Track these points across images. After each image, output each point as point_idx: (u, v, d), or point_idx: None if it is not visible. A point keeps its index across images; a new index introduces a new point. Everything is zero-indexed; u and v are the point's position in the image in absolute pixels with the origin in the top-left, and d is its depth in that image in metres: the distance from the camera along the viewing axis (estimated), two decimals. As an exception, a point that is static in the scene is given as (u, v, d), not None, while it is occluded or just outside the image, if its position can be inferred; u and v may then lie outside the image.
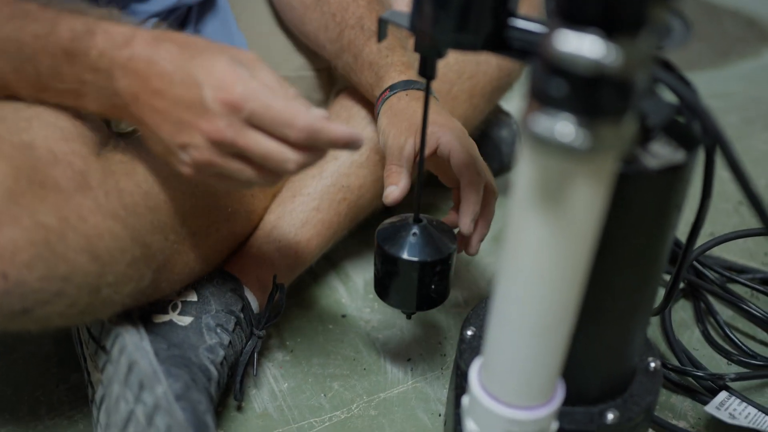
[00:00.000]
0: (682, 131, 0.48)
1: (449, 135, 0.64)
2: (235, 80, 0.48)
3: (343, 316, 0.80)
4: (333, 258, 0.86)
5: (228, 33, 0.86)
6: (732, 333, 0.78)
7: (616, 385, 0.58)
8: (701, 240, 0.87)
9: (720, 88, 1.39)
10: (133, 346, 0.57)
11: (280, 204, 0.77)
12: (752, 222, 0.99)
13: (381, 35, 0.56)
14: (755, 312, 0.79)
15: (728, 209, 1.02)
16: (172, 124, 0.50)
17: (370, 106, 0.78)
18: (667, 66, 0.50)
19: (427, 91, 0.56)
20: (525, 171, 0.39)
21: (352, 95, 0.82)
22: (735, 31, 1.66)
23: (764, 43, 1.61)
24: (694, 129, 0.48)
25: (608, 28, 0.33)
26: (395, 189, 0.63)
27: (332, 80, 0.89)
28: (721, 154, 0.45)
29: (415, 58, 0.56)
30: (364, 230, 0.81)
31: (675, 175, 0.47)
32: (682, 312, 0.83)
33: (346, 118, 0.80)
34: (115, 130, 0.70)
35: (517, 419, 0.48)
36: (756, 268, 0.88)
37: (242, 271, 0.72)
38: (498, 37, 0.48)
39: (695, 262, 0.84)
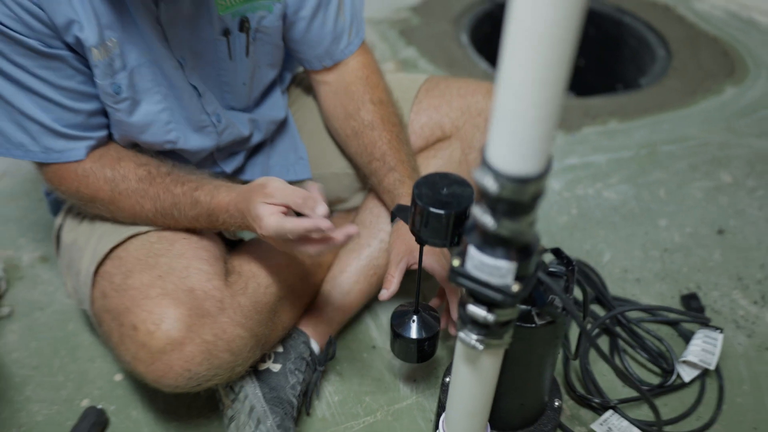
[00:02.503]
0: (550, 309, 0.87)
1: (431, 259, 1.02)
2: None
3: (373, 347, 1.22)
4: (367, 303, 1.27)
5: (294, 144, 1.24)
6: (623, 360, 1.18)
7: (530, 417, 1.00)
8: (623, 283, 1.26)
9: (679, 132, 1.72)
10: (252, 393, 1.00)
11: (331, 279, 1.17)
12: (672, 267, 1.36)
13: (392, 218, 0.94)
14: (648, 351, 1.18)
15: (654, 256, 1.39)
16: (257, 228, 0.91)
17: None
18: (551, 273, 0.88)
19: (421, 250, 0.95)
20: (460, 347, 0.79)
21: (379, 197, 1.20)
22: (708, 64, 1.96)
23: (730, 78, 1.91)
24: (559, 308, 0.86)
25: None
26: (386, 292, 1.01)
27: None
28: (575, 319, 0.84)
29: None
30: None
31: (551, 328, 0.86)
32: (602, 341, 1.22)
33: (377, 215, 1.19)
34: (228, 236, 1.11)
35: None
36: (662, 315, 1.27)
37: (308, 326, 1.13)
38: (457, 242, 0.86)
39: (617, 316, 1.23)
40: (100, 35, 0.90)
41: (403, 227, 1.06)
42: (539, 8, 0.52)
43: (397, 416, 1.12)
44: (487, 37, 2.13)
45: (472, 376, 0.81)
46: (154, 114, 1.00)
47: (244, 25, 1.03)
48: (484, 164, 0.62)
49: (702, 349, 1.15)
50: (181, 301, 0.91)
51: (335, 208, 1.31)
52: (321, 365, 1.12)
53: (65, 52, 0.90)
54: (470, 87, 1.23)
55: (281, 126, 1.23)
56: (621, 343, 1.21)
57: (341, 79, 1.15)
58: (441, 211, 0.83)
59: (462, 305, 0.75)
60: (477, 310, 0.72)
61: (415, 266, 1.01)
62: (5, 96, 0.91)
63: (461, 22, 2.10)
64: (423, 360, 1.05)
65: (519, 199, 0.62)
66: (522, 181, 0.61)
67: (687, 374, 1.16)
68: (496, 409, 0.90)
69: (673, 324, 1.25)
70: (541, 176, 0.62)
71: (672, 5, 2.22)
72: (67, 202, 1.12)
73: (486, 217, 0.65)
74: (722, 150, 1.67)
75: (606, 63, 2.14)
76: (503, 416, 0.97)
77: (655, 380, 1.17)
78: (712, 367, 1.14)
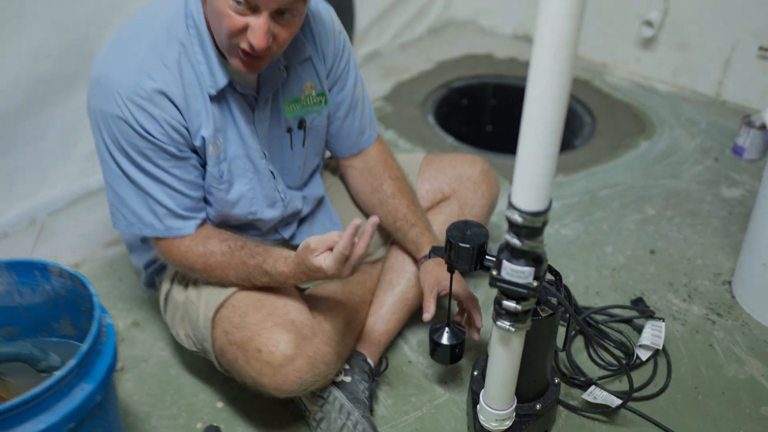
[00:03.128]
0: (550, 303, 1.27)
1: (455, 285, 1.41)
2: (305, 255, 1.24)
3: (409, 362, 1.58)
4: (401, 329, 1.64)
5: (329, 214, 1.63)
6: (597, 353, 1.58)
7: (540, 391, 1.38)
8: (587, 296, 1.67)
9: (610, 179, 2.19)
10: (339, 396, 1.35)
11: (373, 313, 1.54)
12: (620, 281, 1.79)
13: (429, 256, 1.34)
14: (613, 341, 1.59)
15: (606, 275, 1.82)
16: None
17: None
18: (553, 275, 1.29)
19: (451, 277, 1.34)
20: (496, 333, 1.18)
21: (401, 248, 1.59)
22: (624, 125, 2.46)
23: (642, 135, 2.41)
24: (556, 303, 1.27)
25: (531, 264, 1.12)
26: (427, 315, 1.39)
27: (389, 235, 1.66)
28: (568, 310, 1.24)
29: (434, 236, 1.38)
30: (414, 317, 1.59)
31: (551, 318, 1.26)
32: (580, 343, 1.63)
33: (401, 261, 1.58)
34: (301, 287, 1.47)
35: (500, 414, 1.27)
36: (620, 314, 1.69)
37: (363, 348, 1.49)
38: (480, 265, 1.26)
39: (587, 318, 1.64)
40: (215, 135, 1.28)
41: (430, 265, 1.46)
42: (548, 117, 0.94)
43: (438, 409, 1.48)
44: (447, 116, 2.59)
45: (506, 353, 1.19)
46: (244, 192, 1.37)
47: (302, 124, 1.43)
48: (511, 206, 1.03)
49: (652, 335, 1.57)
50: (288, 329, 1.27)
51: (364, 261, 1.69)
52: (377, 376, 1.48)
53: (191, 155, 1.28)
54: (458, 159, 1.66)
55: (319, 201, 1.62)
56: (592, 338, 1.62)
57: (365, 163, 1.55)
58: (467, 245, 1.23)
59: (497, 303, 1.14)
60: (509, 304, 1.12)
61: (444, 292, 1.40)
62: (144, 188, 1.27)
63: (426, 106, 2.56)
64: (454, 362, 1.42)
65: (534, 225, 1.03)
66: (536, 215, 1.02)
67: (643, 355, 1.57)
68: (518, 385, 1.28)
69: (627, 321, 1.67)
70: (547, 211, 1.03)
71: (589, 79, 2.74)
72: (171, 271, 1.47)
73: (514, 239, 1.05)
74: (644, 190, 2.14)
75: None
76: (522, 390, 1.34)
77: (620, 358, 1.57)
78: (660, 347, 1.55)
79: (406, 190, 1.55)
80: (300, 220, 1.58)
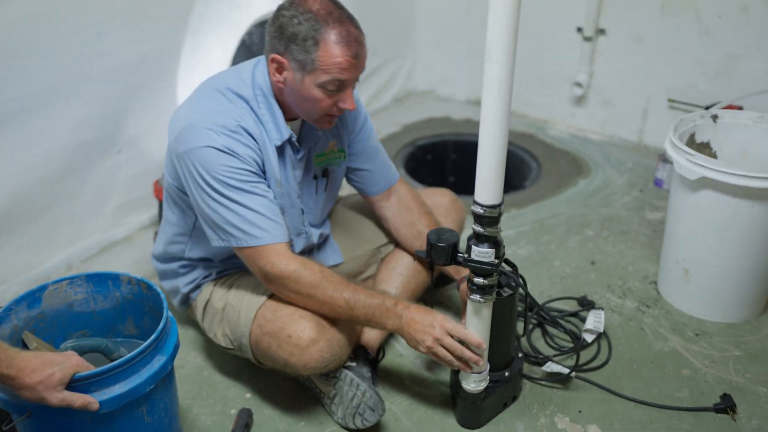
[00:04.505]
0: (510, 286, 1.66)
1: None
2: (441, 320, 1.58)
3: (401, 355, 1.93)
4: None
5: (332, 244, 1.99)
6: (553, 339, 1.95)
7: (507, 362, 1.74)
8: (542, 300, 2.05)
9: (554, 210, 2.62)
10: (349, 373, 1.69)
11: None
12: (568, 286, 2.18)
13: (414, 258, 1.72)
14: (564, 329, 1.97)
15: (556, 282, 2.21)
16: (421, 333, 1.60)
17: (403, 265, 1.93)
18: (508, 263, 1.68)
19: (432, 274, 1.72)
20: (471, 306, 1.55)
21: (391, 258, 1.96)
22: (565, 168, 2.92)
23: (580, 175, 2.86)
24: (514, 285, 1.65)
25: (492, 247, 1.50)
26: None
27: (378, 255, 2.02)
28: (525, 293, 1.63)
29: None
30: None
31: (510, 297, 1.64)
32: (537, 334, 2.00)
33: (389, 275, 1.95)
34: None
35: (477, 377, 1.63)
36: (567, 309, 2.07)
37: (364, 342, 1.84)
38: (454, 260, 1.64)
39: (540, 311, 2.02)
40: (278, 174, 1.64)
41: (465, 288, 1.78)
42: (496, 135, 1.35)
43: (428, 387, 1.82)
44: (415, 170, 3.02)
45: (479, 321, 1.56)
46: (287, 222, 1.72)
47: (325, 172, 1.81)
48: (475, 202, 1.43)
49: (594, 320, 1.95)
50: (311, 319, 1.61)
51: (359, 278, 2.05)
52: (376, 363, 1.83)
53: (265, 179, 1.62)
54: (431, 192, 2.07)
55: (326, 237, 1.99)
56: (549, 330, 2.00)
57: (399, 201, 1.91)
58: (443, 244, 1.61)
59: (470, 281, 1.52)
60: (479, 280, 1.50)
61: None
62: (241, 201, 1.53)
63: (396, 162, 2.99)
64: None
65: (492, 215, 1.42)
66: (493, 207, 1.41)
67: (589, 338, 1.95)
68: (489, 354, 1.64)
69: (575, 314, 2.06)
70: (500, 205, 1.42)
71: (534, 133, 3.21)
72: (209, 287, 1.81)
73: (478, 228, 1.44)
74: (583, 218, 2.57)
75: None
76: (493, 360, 1.70)
77: (570, 345, 1.96)
78: (601, 331, 1.94)
79: (436, 222, 1.92)
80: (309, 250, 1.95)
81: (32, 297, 1.50)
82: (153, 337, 1.38)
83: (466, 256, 1.49)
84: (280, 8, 1.55)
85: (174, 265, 1.86)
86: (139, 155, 2.36)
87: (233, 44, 2.58)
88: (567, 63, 3.12)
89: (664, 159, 2.69)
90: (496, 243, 1.47)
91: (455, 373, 1.71)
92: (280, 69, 1.56)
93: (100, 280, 1.58)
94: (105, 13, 2.09)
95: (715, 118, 2.08)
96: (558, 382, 1.82)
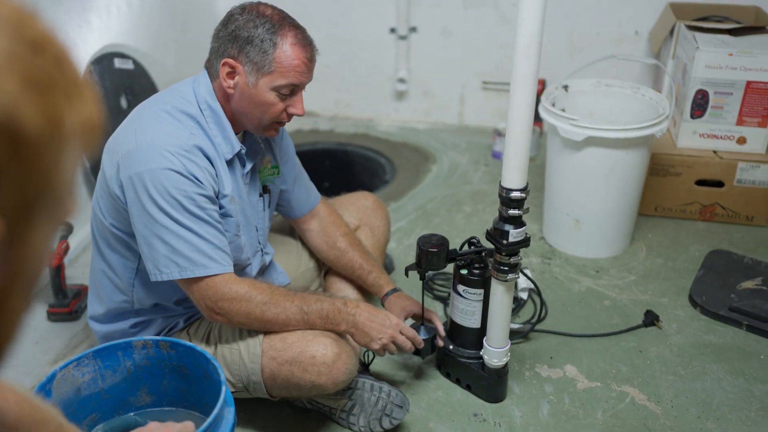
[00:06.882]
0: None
1: (416, 306, 1.87)
2: (394, 318, 1.66)
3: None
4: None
5: (276, 269, 1.96)
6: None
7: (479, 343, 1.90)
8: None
9: (428, 196, 2.82)
10: (368, 380, 1.71)
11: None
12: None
13: (406, 274, 1.79)
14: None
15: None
16: (376, 331, 1.65)
17: (352, 285, 1.98)
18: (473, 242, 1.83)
19: (423, 285, 1.80)
20: (494, 284, 1.68)
21: (335, 276, 2.00)
22: (412, 157, 3.14)
23: (430, 161, 3.11)
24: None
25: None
26: (420, 339, 1.84)
27: (321, 267, 2.04)
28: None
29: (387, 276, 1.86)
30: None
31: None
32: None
33: (338, 288, 1.98)
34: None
35: (501, 351, 1.76)
36: (491, 277, 2.28)
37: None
38: (450, 261, 1.74)
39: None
40: (233, 190, 1.58)
41: (392, 299, 1.86)
42: (523, 125, 1.49)
43: (423, 375, 1.91)
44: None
45: (505, 299, 1.69)
46: (245, 240, 1.67)
47: (266, 189, 1.78)
48: (509, 189, 1.55)
49: (524, 280, 2.20)
50: (326, 336, 1.60)
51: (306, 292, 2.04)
52: (367, 367, 1.86)
53: (218, 203, 1.55)
54: (354, 197, 2.13)
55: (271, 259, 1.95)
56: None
57: (319, 224, 1.93)
58: (436, 250, 1.71)
59: (498, 263, 1.63)
60: (516, 259, 1.62)
61: (416, 312, 1.84)
62: (194, 229, 1.45)
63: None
64: (433, 352, 1.84)
65: (524, 197, 1.56)
66: (524, 189, 1.55)
67: (524, 296, 2.18)
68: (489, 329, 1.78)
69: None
70: (527, 188, 1.57)
71: (365, 132, 3.38)
72: (176, 333, 1.69)
73: (516, 211, 1.57)
74: (455, 197, 2.81)
75: (358, 176, 3.20)
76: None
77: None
78: (533, 287, 2.18)
79: (355, 242, 1.95)
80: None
81: (43, 390, 1.30)
82: (215, 412, 1.26)
83: (505, 241, 1.60)
84: (232, 14, 1.55)
85: (123, 325, 1.69)
86: None
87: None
88: (385, 62, 3.34)
89: (498, 133, 3.04)
90: (521, 222, 1.61)
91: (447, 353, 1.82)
92: (231, 74, 1.53)
93: (108, 354, 1.42)
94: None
95: (566, 88, 2.44)
96: (523, 339, 2.03)
